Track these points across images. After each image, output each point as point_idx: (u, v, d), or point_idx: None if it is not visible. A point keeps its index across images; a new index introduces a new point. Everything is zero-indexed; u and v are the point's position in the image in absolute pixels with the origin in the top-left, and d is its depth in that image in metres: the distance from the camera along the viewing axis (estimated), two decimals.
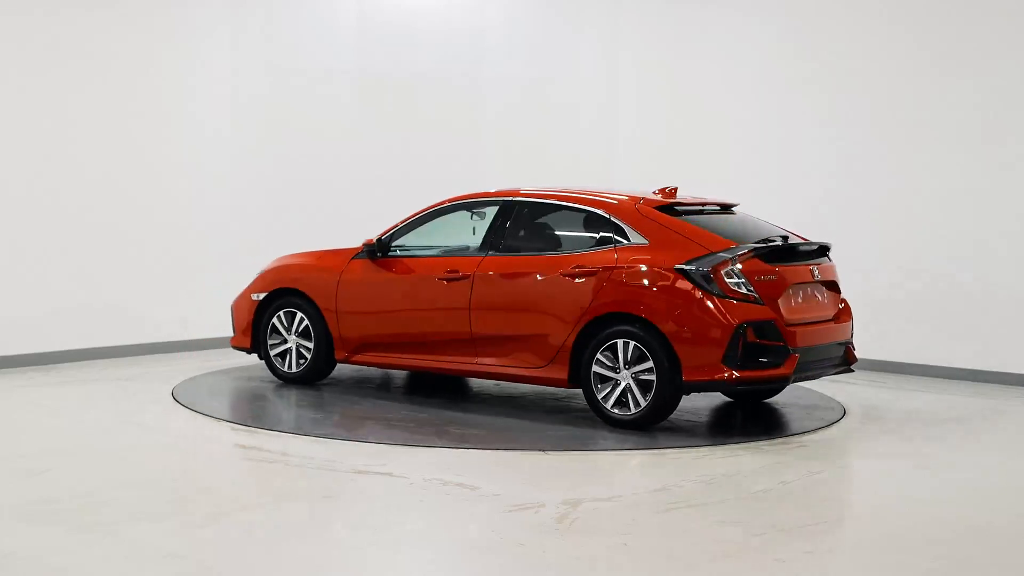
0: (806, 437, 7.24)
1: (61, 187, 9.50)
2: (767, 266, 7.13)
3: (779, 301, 7.09)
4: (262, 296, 8.72)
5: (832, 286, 7.72)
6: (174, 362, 9.80)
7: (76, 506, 5.17)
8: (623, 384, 7.10)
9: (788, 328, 7.06)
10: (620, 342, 7.09)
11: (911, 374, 9.99)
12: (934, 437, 7.48)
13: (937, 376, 9.85)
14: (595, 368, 7.20)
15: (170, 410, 7.59)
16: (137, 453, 6.38)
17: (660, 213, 7.41)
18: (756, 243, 7.25)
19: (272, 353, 8.66)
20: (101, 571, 4.35)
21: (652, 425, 7.15)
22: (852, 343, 7.84)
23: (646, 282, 7.11)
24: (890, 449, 7.07)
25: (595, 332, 7.20)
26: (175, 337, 10.50)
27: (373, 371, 9.50)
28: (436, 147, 11.72)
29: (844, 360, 7.75)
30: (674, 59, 11.66)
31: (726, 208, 7.98)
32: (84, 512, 5.08)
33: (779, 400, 8.45)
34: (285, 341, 8.60)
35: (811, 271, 7.43)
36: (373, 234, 8.64)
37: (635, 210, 7.44)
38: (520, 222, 7.90)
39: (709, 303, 6.92)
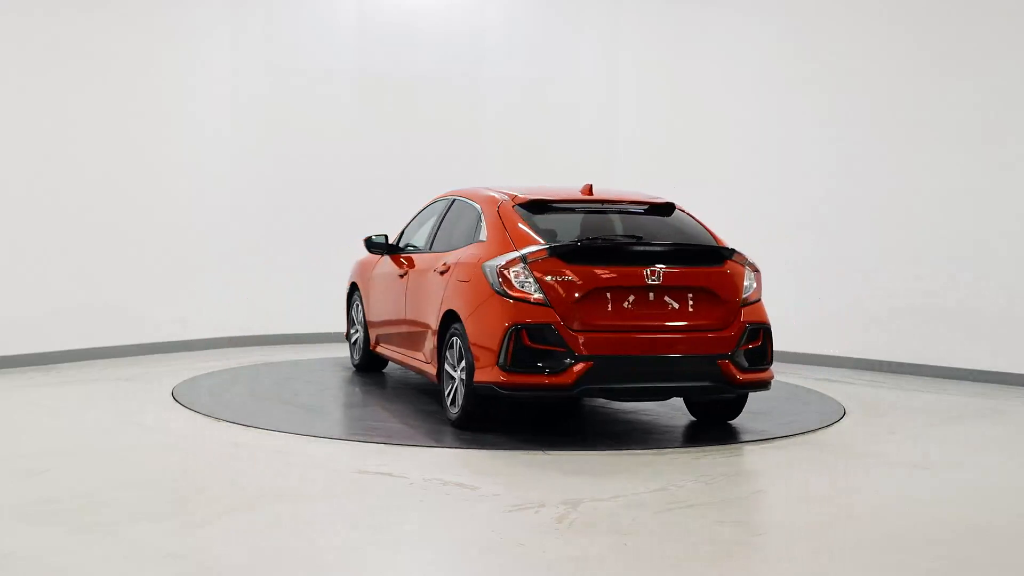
0: (806, 437, 7.24)
1: (61, 187, 9.50)
2: (566, 267, 6.63)
3: (575, 304, 6.57)
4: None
5: (702, 292, 6.81)
6: (174, 362, 9.80)
7: (76, 506, 5.17)
8: (456, 383, 7.09)
9: (576, 333, 6.53)
10: (453, 340, 7.11)
11: (911, 374, 9.99)
12: (934, 437, 7.48)
13: (937, 376, 9.85)
14: (445, 366, 7.24)
15: (170, 410, 7.59)
16: (137, 453, 6.37)
17: (512, 211, 7.12)
18: (555, 243, 6.80)
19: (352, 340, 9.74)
20: (101, 571, 4.35)
21: (475, 427, 6.95)
22: (738, 359, 6.81)
23: (460, 281, 7.14)
24: (890, 449, 7.06)
25: (445, 330, 7.26)
26: (175, 337, 10.51)
27: (374, 371, 9.51)
28: (436, 147, 11.72)
29: (717, 377, 6.76)
30: (674, 59, 11.66)
31: (656, 208, 7.45)
32: (84, 512, 5.08)
33: (779, 400, 8.45)
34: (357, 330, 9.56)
35: (644, 274, 6.66)
36: (368, 233, 9.39)
37: (495, 208, 7.28)
38: (447, 220, 8.03)
39: (494, 303, 6.68)
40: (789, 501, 5.68)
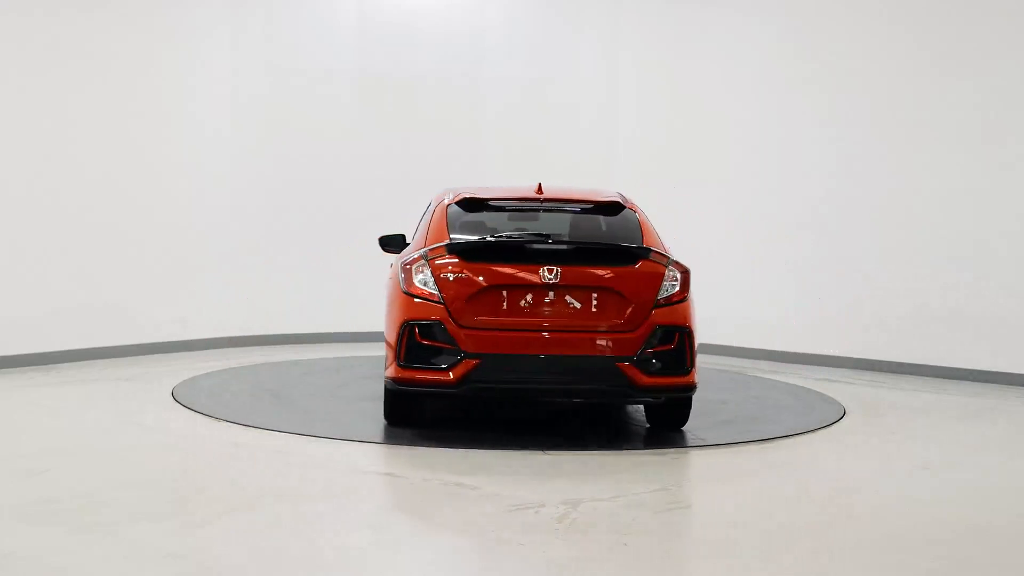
0: (806, 437, 7.23)
1: (61, 187, 9.50)
2: (463, 264, 6.61)
3: (468, 302, 6.55)
4: None
5: (608, 292, 6.64)
6: (174, 362, 9.80)
7: (76, 506, 5.16)
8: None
9: (464, 330, 6.50)
10: None
11: (911, 374, 9.99)
12: (934, 437, 7.48)
13: (937, 376, 9.85)
14: None
15: (170, 410, 7.59)
16: (137, 453, 6.37)
17: (443, 208, 7.15)
18: (455, 240, 6.78)
19: None
20: (101, 571, 4.34)
21: (402, 423, 7.05)
22: (643, 362, 6.57)
23: (389, 279, 7.19)
24: (890, 449, 7.06)
25: None
26: (175, 337, 10.51)
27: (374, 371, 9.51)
28: (436, 147, 11.72)
29: (617, 381, 6.56)
30: (674, 59, 11.66)
31: (601, 207, 7.30)
32: (84, 512, 5.08)
33: (779, 400, 8.45)
34: None
35: (541, 273, 6.56)
36: (373, 235, 8.96)
37: (433, 207, 7.34)
38: (422, 220, 8.00)
39: (399, 300, 6.77)
40: (789, 501, 5.68)
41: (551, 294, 6.60)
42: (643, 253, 6.79)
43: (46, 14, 9.36)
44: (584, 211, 7.38)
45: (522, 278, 6.59)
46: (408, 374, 6.61)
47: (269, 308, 11.30)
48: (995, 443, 7.38)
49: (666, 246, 7.16)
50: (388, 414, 7.08)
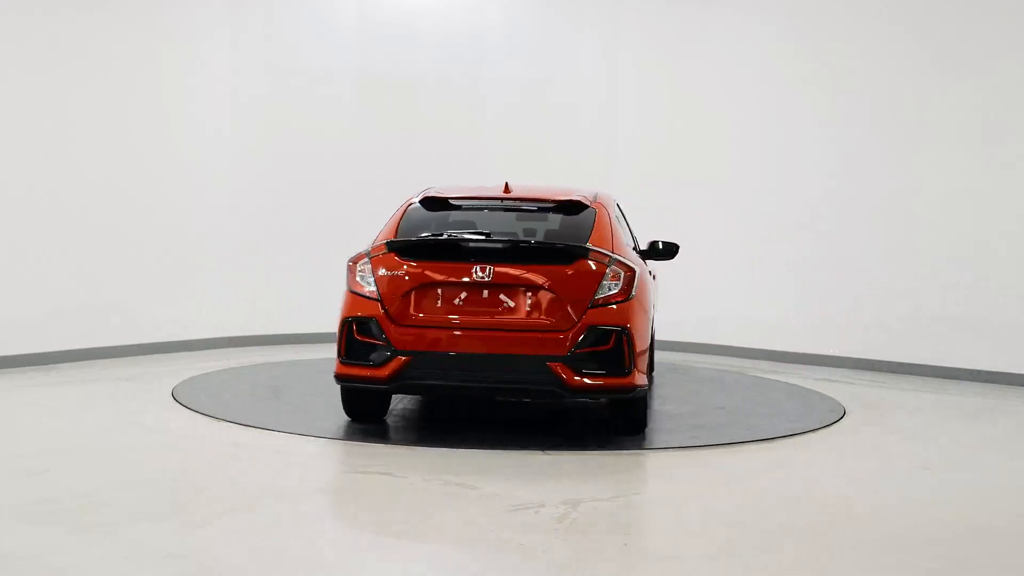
0: (806, 437, 7.23)
1: (61, 187, 9.50)
2: (400, 262, 6.71)
3: (402, 299, 6.63)
4: None
5: (542, 291, 6.59)
6: (174, 362, 9.80)
7: (76, 506, 5.16)
8: None
9: (398, 328, 6.58)
10: None
11: (911, 374, 9.98)
12: (934, 437, 7.48)
13: (937, 376, 9.85)
14: None
15: (170, 410, 7.59)
16: (137, 453, 6.37)
17: (405, 206, 7.34)
18: (396, 239, 6.88)
19: None
20: (101, 571, 4.34)
21: (360, 419, 7.21)
22: (575, 362, 6.48)
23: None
24: (890, 449, 7.06)
25: None
26: (175, 337, 10.51)
27: None
28: (436, 147, 11.72)
29: (547, 380, 6.47)
30: (674, 59, 11.67)
31: (564, 207, 7.22)
32: (84, 512, 5.08)
33: (779, 400, 8.45)
34: None
35: (473, 271, 6.57)
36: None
37: (403, 204, 7.46)
38: None
39: (345, 297, 6.93)
40: (789, 501, 5.68)
41: (485, 292, 6.61)
42: (581, 252, 6.69)
43: (46, 14, 9.36)
44: (542, 210, 7.35)
45: (455, 277, 6.62)
46: (347, 370, 6.78)
47: (269, 308, 11.30)
48: (995, 443, 7.38)
49: (628, 247, 7.06)
50: (346, 410, 7.25)
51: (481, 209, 7.35)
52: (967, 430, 7.75)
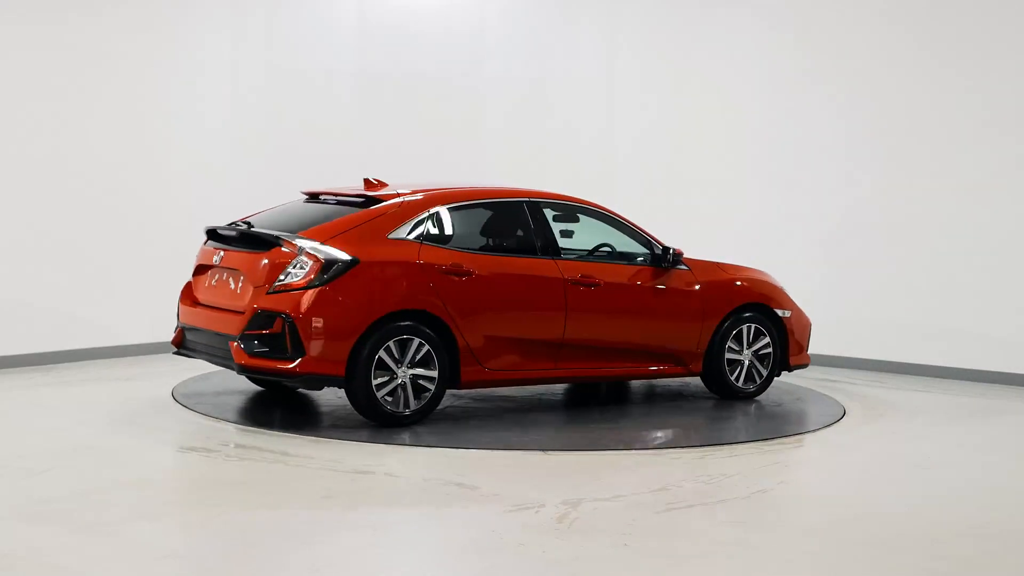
0: (806, 437, 7.24)
1: (62, 187, 9.50)
2: (201, 249, 7.76)
3: (192, 280, 7.74)
4: None
5: (242, 276, 7.12)
6: (174, 362, 9.79)
7: (76, 506, 5.17)
8: None
9: (182, 305, 7.70)
10: None
11: (911, 374, 9.98)
12: (934, 437, 7.48)
13: (937, 376, 9.84)
14: None
15: (170, 410, 7.59)
16: (137, 453, 6.38)
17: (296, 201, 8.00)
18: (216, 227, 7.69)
19: None
20: (101, 571, 4.35)
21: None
22: (245, 343, 6.84)
23: None
24: (890, 449, 7.06)
25: None
26: None
27: None
28: (436, 147, 11.72)
29: (229, 357, 6.94)
30: (674, 59, 11.66)
31: (361, 201, 7.45)
32: (84, 512, 5.08)
33: (779, 400, 8.45)
34: None
35: (214, 257, 7.44)
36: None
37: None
38: None
39: None
40: (789, 501, 5.68)
41: (223, 275, 7.35)
42: (274, 241, 7.05)
43: (47, 17, 9.36)
44: (341, 203, 7.57)
45: (206, 260, 7.57)
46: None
47: None
48: (995, 443, 7.38)
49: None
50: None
51: (319, 203, 7.77)
52: (967, 430, 7.75)
